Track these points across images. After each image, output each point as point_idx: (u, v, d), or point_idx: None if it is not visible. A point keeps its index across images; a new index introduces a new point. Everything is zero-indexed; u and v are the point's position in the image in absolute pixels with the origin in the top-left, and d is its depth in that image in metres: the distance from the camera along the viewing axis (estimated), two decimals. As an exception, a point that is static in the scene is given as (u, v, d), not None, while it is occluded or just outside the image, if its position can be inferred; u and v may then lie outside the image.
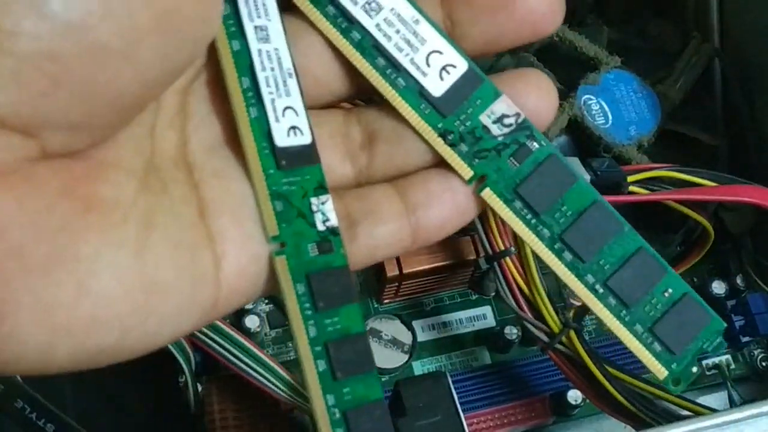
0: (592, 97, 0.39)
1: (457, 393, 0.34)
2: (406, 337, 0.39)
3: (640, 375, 0.37)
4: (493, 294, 0.41)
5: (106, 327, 0.19)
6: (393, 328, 0.40)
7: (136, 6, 0.18)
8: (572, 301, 0.41)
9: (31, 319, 0.18)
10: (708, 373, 0.40)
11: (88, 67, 0.18)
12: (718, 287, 0.40)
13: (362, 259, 0.23)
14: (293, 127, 0.22)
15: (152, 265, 0.20)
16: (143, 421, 0.38)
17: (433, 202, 0.24)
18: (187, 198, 0.21)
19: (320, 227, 0.22)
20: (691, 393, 0.40)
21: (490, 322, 0.40)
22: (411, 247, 0.24)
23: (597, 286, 0.23)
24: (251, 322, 0.37)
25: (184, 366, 0.35)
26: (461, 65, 0.23)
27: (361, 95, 0.24)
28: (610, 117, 0.39)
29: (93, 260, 0.19)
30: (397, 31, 0.23)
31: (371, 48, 0.23)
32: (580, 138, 0.39)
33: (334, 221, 0.23)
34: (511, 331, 0.39)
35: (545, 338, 0.36)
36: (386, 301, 0.40)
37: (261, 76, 0.22)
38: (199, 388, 0.36)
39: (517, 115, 0.23)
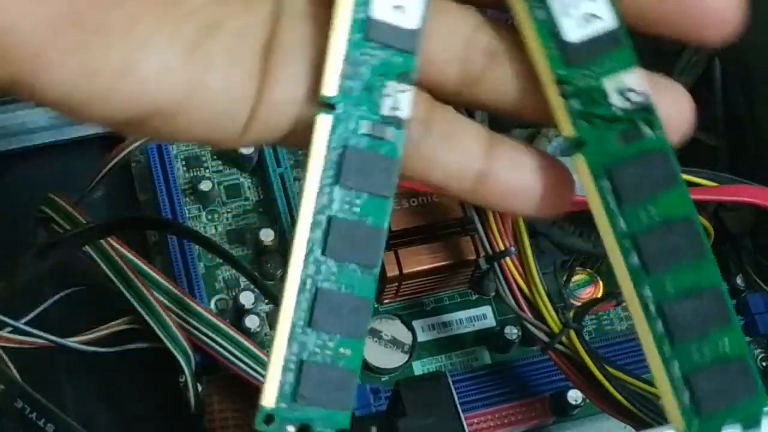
0: (592, 97, 0.39)
1: (457, 393, 0.34)
2: (406, 337, 0.39)
3: (640, 375, 0.37)
4: (493, 294, 0.41)
5: (141, 105, 0.20)
6: (393, 328, 0.40)
7: None
8: (572, 301, 0.41)
9: (68, 77, 0.19)
10: (708, 373, 0.40)
11: None
12: (718, 287, 0.40)
13: (415, 169, 0.22)
14: (399, 6, 0.21)
15: (203, 65, 0.20)
16: (143, 421, 0.38)
17: (517, 168, 0.23)
18: (262, 25, 0.21)
19: (384, 111, 0.21)
20: (691, 393, 0.40)
21: (490, 322, 0.40)
22: (465, 194, 0.23)
23: (650, 304, 0.20)
24: (251, 322, 0.37)
25: (184, 366, 0.35)
26: (609, 21, 0.21)
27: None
28: (610, 117, 0.39)
29: (145, 41, 0.20)
30: None
31: None
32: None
33: (404, 113, 0.21)
34: (511, 331, 0.39)
35: (545, 338, 0.36)
36: (386, 301, 0.40)
37: None
38: (199, 388, 0.36)
39: (646, 94, 0.21)
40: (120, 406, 0.39)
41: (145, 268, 0.36)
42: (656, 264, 0.20)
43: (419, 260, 0.38)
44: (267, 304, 0.38)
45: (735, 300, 0.41)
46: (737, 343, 0.20)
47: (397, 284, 0.39)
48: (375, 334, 0.39)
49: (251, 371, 0.34)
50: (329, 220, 0.20)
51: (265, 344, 0.38)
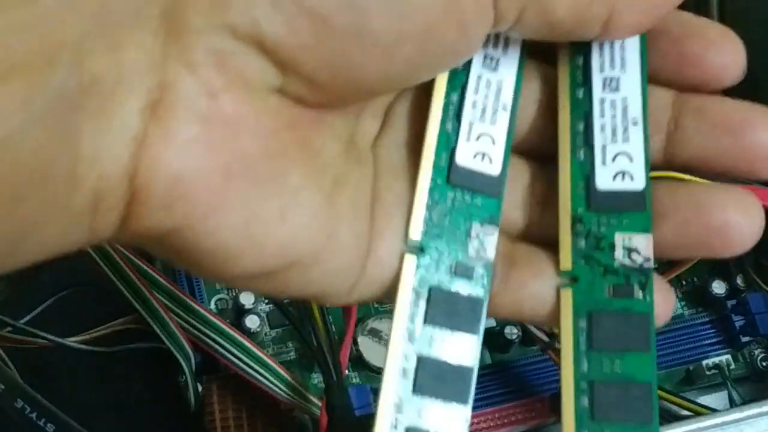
0: (592, 97, 0.39)
1: (457, 393, 0.34)
2: (406, 337, 0.39)
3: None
4: (493, 294, 0.41)
5: (287, 255, 0.21)
6: (393, 328, 0.39)
7: (412, 8, 0.19)
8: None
9: (236, 223, 0.20)
10: (708, 373, 0.40)
11: (349, 45, 0.19)
12: (718, 287, 0.40)
13: (506, 306, 0.23)
14: (483, 154, 0.22)
15: (337, 217, 0.21)
16: (143, 421, 0.38)
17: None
18: (369, 179, 0.23)
19: (471, 253, 0.22)
20: (691, 393, 0.40)
21: (490, 322, 0.40)
22: (543, 320, 0.24)
23: (582, 384, 0.22)
24: (251, 322, 0.37)
25: (184, 366, 0.35)
26: (640, 183, 0.22)
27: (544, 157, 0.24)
28: (610, 117, 0.39)
29: (297, 191, 0.21)
30: (613, 116, 0.23)
31: (582, 111, 0.23)
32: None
33: (489, 255, 0.22)
34: (511, 331, 0.39)
35: (545, 338, 0.36)
36: (386, 303, 0.40)
37: (470, 98, 0.23)
38: (199, 388, 0.36)
39: (648, 260, 0.22)
40: (120, 406, 0.39)
41: (146, 268, 0.36)
42: (603, 415, 0.21)
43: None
44: (267, 304, 0.38)
45: (735, 300, 0.41)
46: (648, 369, 0.21)
47: (397, 284, 0.39)
48: (375, 334, 0.39)
49: (251, 371, 0.34)
50: (419, 361, 0.21)
51: (265, 344, 0.38)
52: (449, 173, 0.22)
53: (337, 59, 0.19)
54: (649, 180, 0.22)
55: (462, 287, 0.22)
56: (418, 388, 0.21)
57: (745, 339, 0.40)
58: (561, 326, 0.22)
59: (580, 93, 0.23)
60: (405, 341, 0.21)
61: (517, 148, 0.24)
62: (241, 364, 0.35)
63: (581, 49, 0.23)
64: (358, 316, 0.38)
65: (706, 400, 0.40)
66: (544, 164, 0.25)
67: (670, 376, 0.40)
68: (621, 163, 0.22)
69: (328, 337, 0.36)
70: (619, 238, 0.22)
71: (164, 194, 0.19)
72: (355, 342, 0.37)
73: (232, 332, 0.35)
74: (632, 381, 0.21)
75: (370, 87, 0.21)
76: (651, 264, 0.22)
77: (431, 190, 0.22)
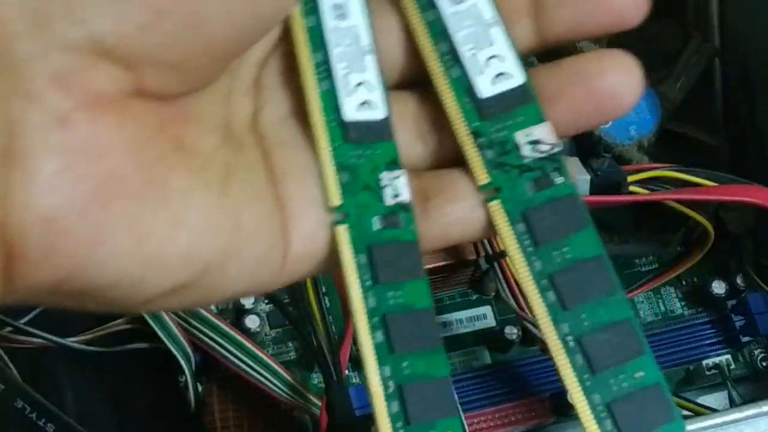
0: (592, 97, 0.39)
1: (457, 393, 0.34)
2: (406, 337, 0.39)
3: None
4: (493, 294, 0.41)
5: (194, 262, 0.20)
6: (393, 328, 0.39)
7: None
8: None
9: (127, 247, 0.19)
10: (708, 373, 0.40)
11: (188, 3, 0.18)
12: (718, 287, 0.40)
13: (436, 237, 0.23)
14: (365, 102, 0.22)
15: (235, 208, 0.21)
16: (143, 421, 0.38)
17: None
18: (258, 161, 0.22)
19: (388, 201, 0.22)
20: (691, 393, 0.40)
21: (490, 322, 0.40)
22: (484, 234, 0.23)
23: (569, 339, 0.22)
24: (251, 322, 0.37)
25: (184, 366, 0.35)
26: (518, 77, 0.23)
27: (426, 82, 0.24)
28: (610, 117, 0.39)
29: (185, 194, 0.20)
30: (470, 25, 0.23)
31: (440, 32, 0.23)
32: (580, 138, 0.39)
33: (405, 197, 0.22)
34: (511, 331, 0.39)
35: (545, 338, 0.36)
36: (386, 301, 0.40)
37: (335, 51, 0.22)
38: (199, 388, 0.36)
39: (553, 145, 0.23)
40: (120, 406, 0.39)
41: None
42: (572, 301, 0.21)
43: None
44: (267, 304, 0.38)
45: (735, 300, 0.41)
46: (652, 372, 0.21)
47: (397, 284, 0.39)
48: (375, 334, 0.39)
49: (251, 371, 0.34)
50: (383, 318, 0.21)
51: (265, 344, 0.38)
52: (345, 132, 0.22)
53: (180, 26, 0.18)
54: (527, 72, 0.23)
55: (393, 237, 0.22)
56: (392, 347, 0.21)
57: (745, 339, 0.40)
58: (502, 238, 0.22)
59: (431, 15, 0.23)
60: (364, 311, 0.21)
61: (394, 84, 0.24)
62: (241, 364, 0.35)
63: None
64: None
65: (706, 400, 0.40)
66: (426, 90, 0.24)
67: (670, 376, 0.40)
68: (495, 66, 0.23)
69: (328, 337, 0.36)
70: (520, 136, 0.22)
71: (41, 241, 0.17)
72: (355, 342, 0.37)
73: (232, 332, 0.35)
74: (586, 259, 0.22)
75: (223, 47, 0.20)
76: (559, 148, 0.22)
77: (334, 154, 0.22)
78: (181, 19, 0.18)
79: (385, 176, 0.22)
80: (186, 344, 0.35)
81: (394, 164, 0.22)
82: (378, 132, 0.22)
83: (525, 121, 0.23)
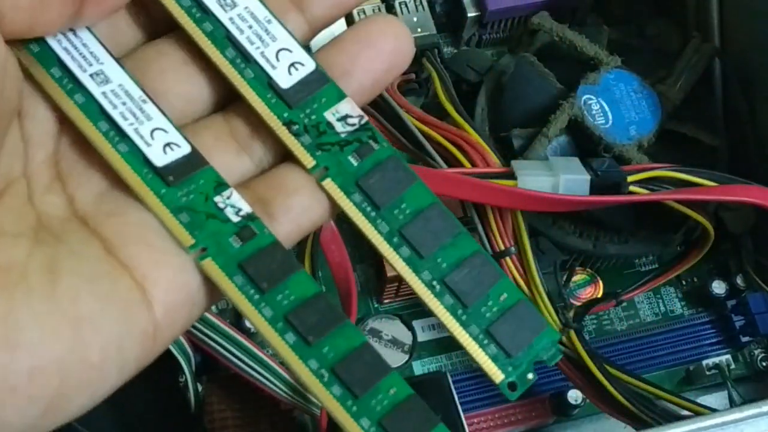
0: (592, 97, 0.39)
1: (457, 393, 0.35)
2: (406, 337, 0.39)
3: (640, 375, 0.37)
4: (493, 294, 0.41)
5: (46, 373, 0.19)
6: (393, 328, 0.40)
7: None
8: (572, 301, 0.41)
9: None
10: (708, 373, 0.41)
11: None
12: (718, 287, 0.40)
13: (290, 233, 0.23)
14: (167, 144, 0.23)
15: (69, 301, 0.20)
16: (143, 420, 0.38)
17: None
18: (87, 240, 0.22)
19: (234, 219, 0.23)
20: (691, 393, 0.40)
21: (490, 322, 0.40)
22: (330, 214, 0.24)
23: (434, 283, 0.23)
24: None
25: (184, 366, 0.35)
26: (309, 64, 0.24)
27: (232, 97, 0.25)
28: (610, 117, 0.39)
29: (8, 315, 0.19)
30: (250, 27, 0.24)
31: (223, 39, 0.24)
32: (580, 138, 0.39)
33: (246, 208, 0.23)
34: (511, 331, 0.39)
35: (545, 338, 0.36)
36: (386, 301, 0.40)
37: (115, 114, 0.23)
38: (199, 388, 0.36)
39: (360, 116, 0.24)
40: (120, 406, 0.39)
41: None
42: (426, 249, 0.23)
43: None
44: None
45: (735, 300, 0.41)
46: (512, 292, 0.23)
47: (397, 284, 0.39)
48: (375, 333, 0.39)
49: (251, 371, 0.34)
50: (286, 319, 0.22)
51: (265, 344, 0.38)
52: (163, 179, 0.23)
53: None
54: (315, 58, 0.24)
55: (255, 246, 0.23)
56: (307, 341, 0.22)
57: (745, 339, 0.40)
58: (344, 212, 0.24)
59: (208, 26, 0.24)
60: (266, 323, 0.22)
61: (196, 117, 0.24)
62: (241, 364, 0.35)
63: None
64: (357, 316, 0.38)
65: (706, 400, 0.40)
66: (230, 101, 0.25)
67: (670, 376, 0.40)
68: (286, 58, 0.24)
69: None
70: (329, 115, 0.24)
71: None
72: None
73: (232, 332, 0.35)
74: (424, 208, 0.23)
75: None
76: (365, 118, 0.24)
77: (165, 203, 0.22)
78: None
79: (219, 200, 0.23)
80: (186, 344, 0.35)
81: (220, 186, 0.23)
82: (192, 164, 0.23)
83: (328, 101, 0.24)
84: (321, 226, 0.26)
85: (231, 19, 0.24)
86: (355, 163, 0.24)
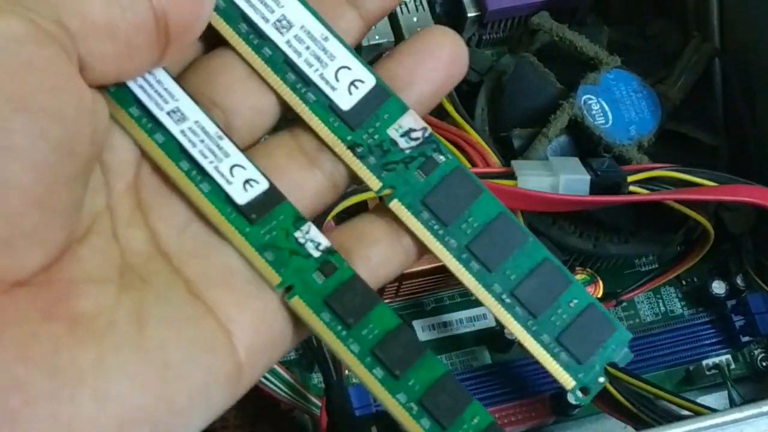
0: (592, 97, 0.39)
1: (457, 393, 0.34)
2: (406, 337, 0.39)
3: (640, 375, 0.37)
4: (493, 294, 0.41)
5: (136, 424, 0.19)
6: (393, 328, 0.39)
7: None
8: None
9: None
10: (708, 373, 0.40)
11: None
12: (718, 287, 0.40)
13: (369, 282, 0.24)
14: (247, 181, 0.23)
15: (157, 349, 0.20)
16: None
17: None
18: (171, 282, 0.22)
19: (315, 254, 0.23)
20: (691, 393, 0.40)
21: (490, 322, 0.40)
22: (410, 262, 0.24)
23: (504, 296, 0.23)
24: (251, 322, 0.37)
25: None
26: (369, 81, 0.24)
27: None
28: (610, 117, 0.39)
29: (98, 367, 0.19)
30: (307, 48, 0.24)
31: (282, 63, 0.24)
32: (580, 138, 0.39)
33: (325, 242, 0.23)
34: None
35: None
36: (386, 301, 0.40)
37: (195, 152, 0.23)
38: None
39: (424, 129, 0.24)
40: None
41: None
42: (494, 262, 0.23)
43: (419, 260, 0.38)
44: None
45: (735, 300, 0.41)
46: (583, 297, 0.23)
47: (397, 284, 0.39)
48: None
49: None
50: (373, 354, 0.22)
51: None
52: (246, 217, 0.23)
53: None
54: (375, 72, 0.24)
55: (338, 281, 0.23)
56: (394, 374, 0.22)
57: (745, 339, 0.40)
58: (414, 231, 0.24)
59: (267, 51, 0.24)
60: (355, 358, 0.22)
61: (262, 134, 0.24)
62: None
63: (234, 20, 0.24)
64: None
65: (706, 400, 0.40)
66: (294, 127, 0.25)
67: (670, 376, 0.40)
68: (345, 76, 0.24)
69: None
70: (392, 132, 0.24)
71: None
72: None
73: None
74: (491, 220, 0.23)
75: (30, 193, 0.19)
76: (428, 129, 0.24)
77: (250, 241, 0.23)
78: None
79: (299, 235, 0.23)
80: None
81: (299, 221, 0.23)
82: (271, 200, 0.23)
83: (391, 116, 0.24)
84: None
85: (288, 41, 0.24)
86: (422, 180, 0.24)
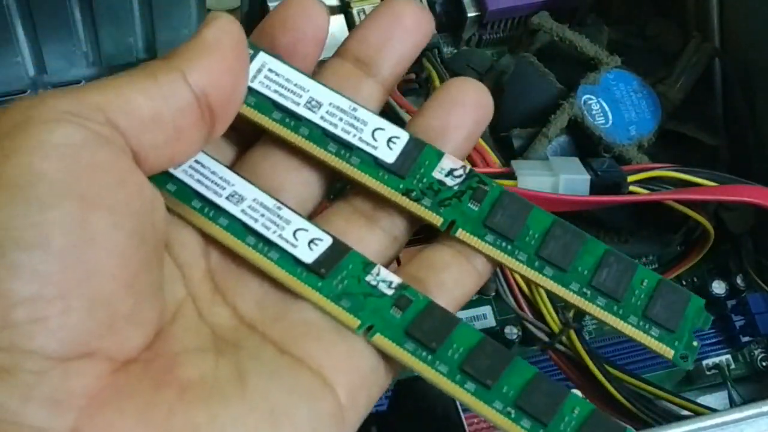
0: (592, 97, 0.39)
1: (457, 393, 0.34)
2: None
3: (640, 375, 0.37)
4: (493, 294, 0.41)
5: None
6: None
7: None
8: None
9: None
10: (708, 373, 0.41)
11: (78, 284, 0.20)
12: (718, 287, 0.40)
13: (446, 306, 0.25)
14: (311, 241, 0.25)
15: (261, 398, 0.22)
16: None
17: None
18: (261, 344, 0.23)
19: (389, 292, 0.24)
20: (691, 393, 0.40)
21: (490, 322, 0.40)
22: (483, 280, 0.26)
23: (584, 290, 0.25)
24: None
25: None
26: (403, 136, 0.26)
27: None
28: (610, 117, 0.39)
29: (211, 422, 0.21)
30: (341, 119, 0.26)
31: (322, 137, 0.26)
32: (580, 138, 0.39)
33: (396, 280, 0.25)
34: (511, 331, 0.39)
35: (545, 338, 0.36)
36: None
37: (258, 227, 0.25)
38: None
39: (463, 167, 0.26)
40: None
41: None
42: (566, 262, 0.25)
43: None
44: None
45: (735, 300, 0.41)
46: (650, 276, 0.25)
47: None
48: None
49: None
50: (462, 370, 0.24)
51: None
52: (316, 274, 0.24)
53: (82, 301, 0.20)
54: (405, 126, 0.26)
55: (415, 312, 0.24)
56: (486, 385, 0.23)
57: (745, 339, 0.40)
58: (485, 255, 0.25)
59: (305, 130, 0.26)
60: (446, 378, 0.23)
61: (315, 197, 0.26)
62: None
63: (267, 110, 0.26)
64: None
65: (706, 400, 0.40)
66: (347, 195, 0.27)
67: (670, 376, 0.40)
68: (382, 136, 0.26)
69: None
70: (437, 174, 0.26)
71: None
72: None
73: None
74: (549, 227, 0.25)
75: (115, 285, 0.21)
76: (467, 166, 0.26)
77: (324, 294, 0.24)
78: (78, 296, 0.20)
79: (370, 278, 0.24)
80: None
81: (368, 265, 0.25)
82: (337, 253, 0.25)
83: (431, 162, 0.26)
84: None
85: (322, 117, 0.26)
86: (476, 208, 0.26)
